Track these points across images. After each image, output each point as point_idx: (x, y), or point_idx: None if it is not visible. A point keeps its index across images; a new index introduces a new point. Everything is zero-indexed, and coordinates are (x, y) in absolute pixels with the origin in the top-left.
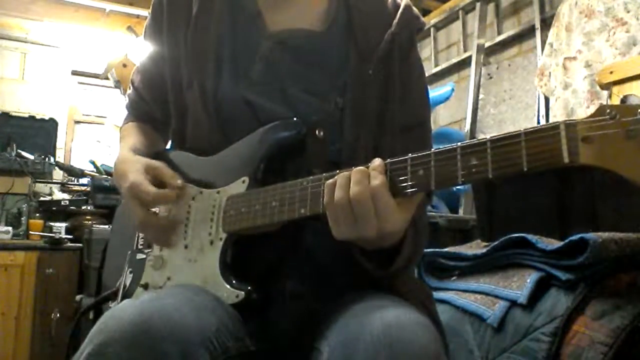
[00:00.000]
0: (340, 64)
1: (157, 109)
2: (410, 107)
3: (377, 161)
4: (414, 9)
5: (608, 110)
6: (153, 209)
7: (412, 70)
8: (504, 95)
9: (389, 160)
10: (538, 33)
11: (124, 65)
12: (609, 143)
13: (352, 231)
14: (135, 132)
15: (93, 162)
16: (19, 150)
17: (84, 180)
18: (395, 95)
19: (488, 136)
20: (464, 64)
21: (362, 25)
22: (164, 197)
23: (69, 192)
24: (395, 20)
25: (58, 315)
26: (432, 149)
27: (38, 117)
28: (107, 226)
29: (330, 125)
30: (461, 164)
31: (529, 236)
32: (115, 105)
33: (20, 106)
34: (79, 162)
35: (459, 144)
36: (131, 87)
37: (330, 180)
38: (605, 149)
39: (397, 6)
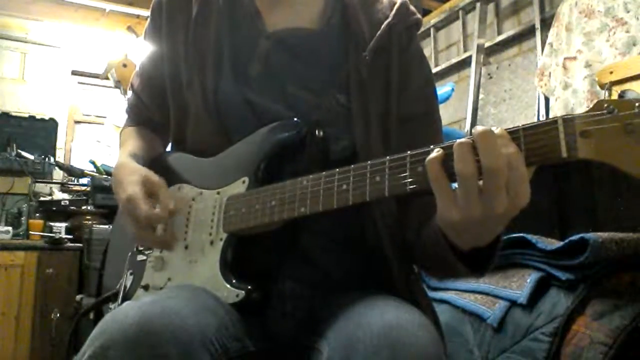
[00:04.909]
0: (338, 61)
1: (157, 111)
2: (410, 98)
3: (498, 129)
4: (410, 6)
5: (606, 105)
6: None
7: (411, 62)
8: (504, 95)
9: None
10: (538, 33)
11: (124, 65)
12: (607, 137)
13: (475, 209)
14: (135, 136)
15: (93, 162)
16: (19, 150)
17: (84, 180)
18: (396, 87)
19: None
20: (464, 64)
21: (358, 22)
22: (155, 218)
23: (69, 192)
24: (392, 13)
25: (58, 315)
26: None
27: (38, 117)
28: (107, 226)
29: (332, 122)
30: None
31: (529, 236)
32: (115, 105)
33: (20, 106)
34: (79, 162)
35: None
36: (131, 91)
37: (436, 154)
38: (604, 143)
39: (393, 3)
